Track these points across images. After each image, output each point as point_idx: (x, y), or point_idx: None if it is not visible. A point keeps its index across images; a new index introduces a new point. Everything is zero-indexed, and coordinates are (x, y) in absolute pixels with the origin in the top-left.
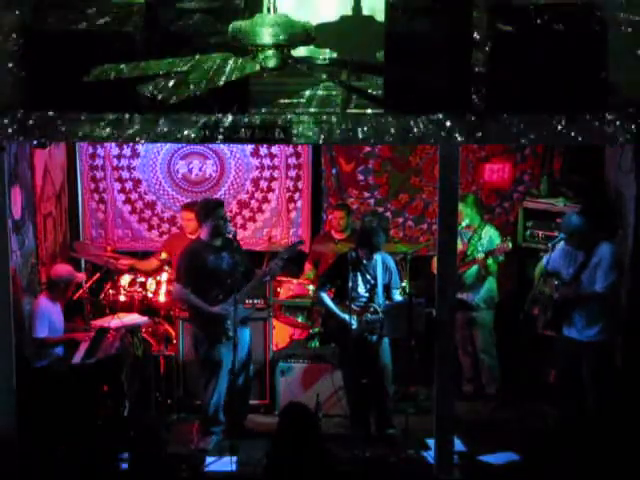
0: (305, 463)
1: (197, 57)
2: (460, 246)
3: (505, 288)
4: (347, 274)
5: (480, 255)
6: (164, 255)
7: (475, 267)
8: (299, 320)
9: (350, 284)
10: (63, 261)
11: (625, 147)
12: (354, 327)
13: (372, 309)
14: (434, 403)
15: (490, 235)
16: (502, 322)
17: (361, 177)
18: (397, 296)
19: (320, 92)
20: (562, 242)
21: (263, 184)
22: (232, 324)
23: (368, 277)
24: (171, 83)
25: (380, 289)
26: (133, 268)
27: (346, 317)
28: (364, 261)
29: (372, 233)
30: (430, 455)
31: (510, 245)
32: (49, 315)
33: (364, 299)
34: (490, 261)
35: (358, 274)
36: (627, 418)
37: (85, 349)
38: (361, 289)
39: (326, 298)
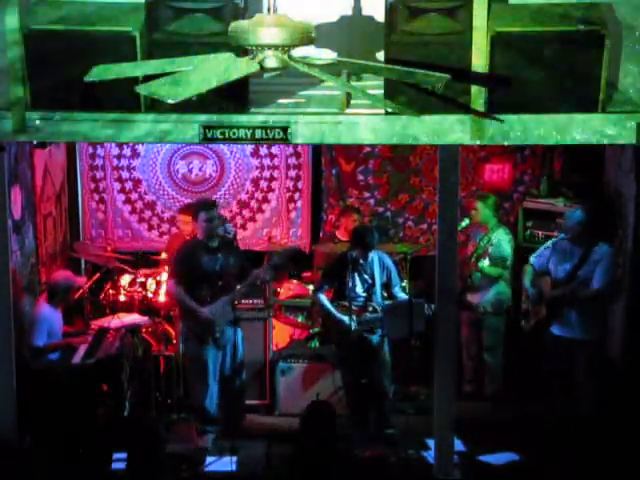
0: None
1: (197, 57)
2: (469, 246)
3: None
4: (345, 274)
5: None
6: (164, 255)
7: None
8: (299, 320)
9: (349, 285)
10: (62, 266)
11: (625, 147)
12: (354, 327)
13: (371, 308)
14: (434, 403)
15: (499, 239)
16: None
17: (361, 177)
18: (400, 293)
19: (320, 92)
20: (551, 241)
21: (263, 184)
22: (220, 326)
23: (365, 277)
24: (171, 83)
25: (378, 288)
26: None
27: (344, 318)
28: (361, 261)
29: (365, 233)
30: (430, 455)
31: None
32: (49, 322)
33: (362, 299)
34: (487, 268)
35: (355, 274)
36: (626, 417)
37: (85, 349)
38: (359, 289)
39: (324, 299)
